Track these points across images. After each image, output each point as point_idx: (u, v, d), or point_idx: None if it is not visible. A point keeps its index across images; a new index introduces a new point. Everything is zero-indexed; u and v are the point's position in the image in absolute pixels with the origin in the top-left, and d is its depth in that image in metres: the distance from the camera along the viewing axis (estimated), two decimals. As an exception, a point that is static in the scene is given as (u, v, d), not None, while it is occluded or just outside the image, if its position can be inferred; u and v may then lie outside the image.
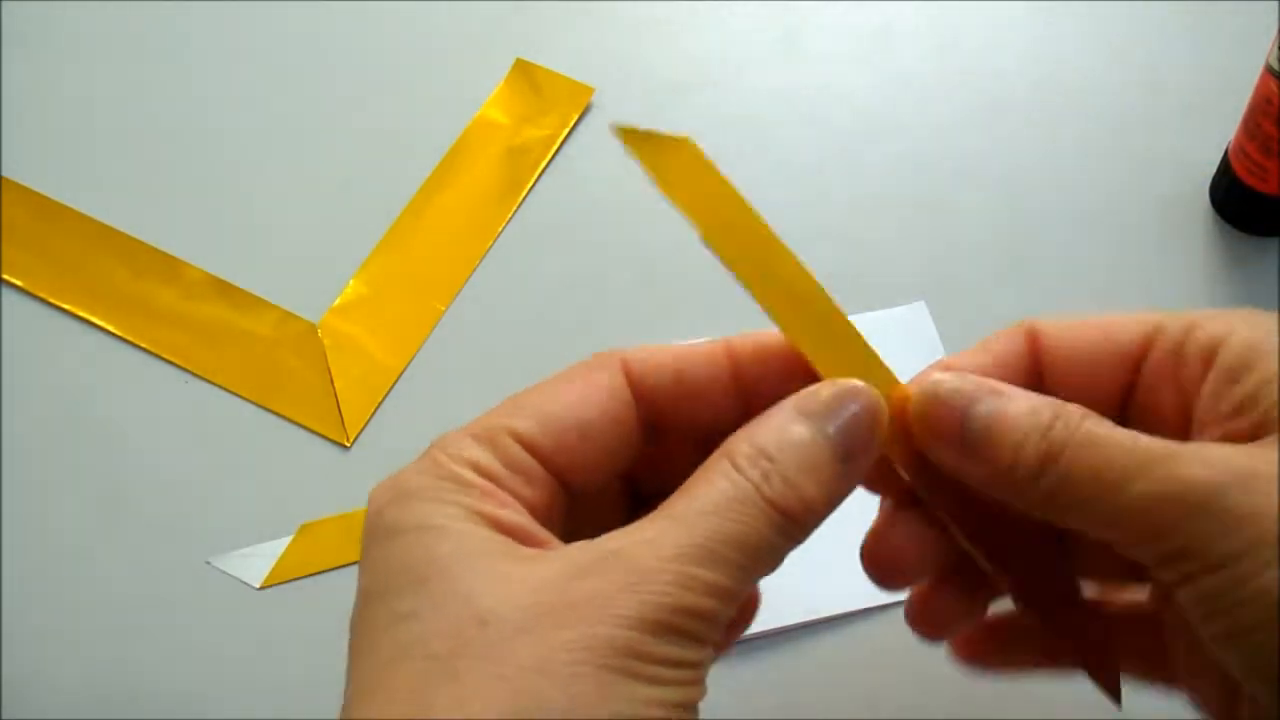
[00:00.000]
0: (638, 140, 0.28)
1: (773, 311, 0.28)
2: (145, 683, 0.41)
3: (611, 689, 0.22)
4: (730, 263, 0.28)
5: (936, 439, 0.28)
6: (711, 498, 0.25)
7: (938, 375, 0.28)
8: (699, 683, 0.24)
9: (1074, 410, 0.27)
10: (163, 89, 0.56)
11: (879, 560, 0.29)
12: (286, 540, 0.44)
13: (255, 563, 0.44)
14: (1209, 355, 0.27)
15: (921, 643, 0.32)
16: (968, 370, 0.29)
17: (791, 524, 0.25)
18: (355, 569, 0.44)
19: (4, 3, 0.58)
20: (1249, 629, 0.24)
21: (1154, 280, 0.49)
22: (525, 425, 0.26)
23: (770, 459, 0.25)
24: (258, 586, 0.43)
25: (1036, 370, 0.30)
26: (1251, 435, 0.26)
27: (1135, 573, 0.30)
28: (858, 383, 0.27)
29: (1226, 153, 0.49)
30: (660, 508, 0.25)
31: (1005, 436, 0.27)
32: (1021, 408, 0.27)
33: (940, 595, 0.30)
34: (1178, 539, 0.25)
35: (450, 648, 0.23)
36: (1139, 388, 0.29)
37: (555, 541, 0.26)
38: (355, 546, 0.44)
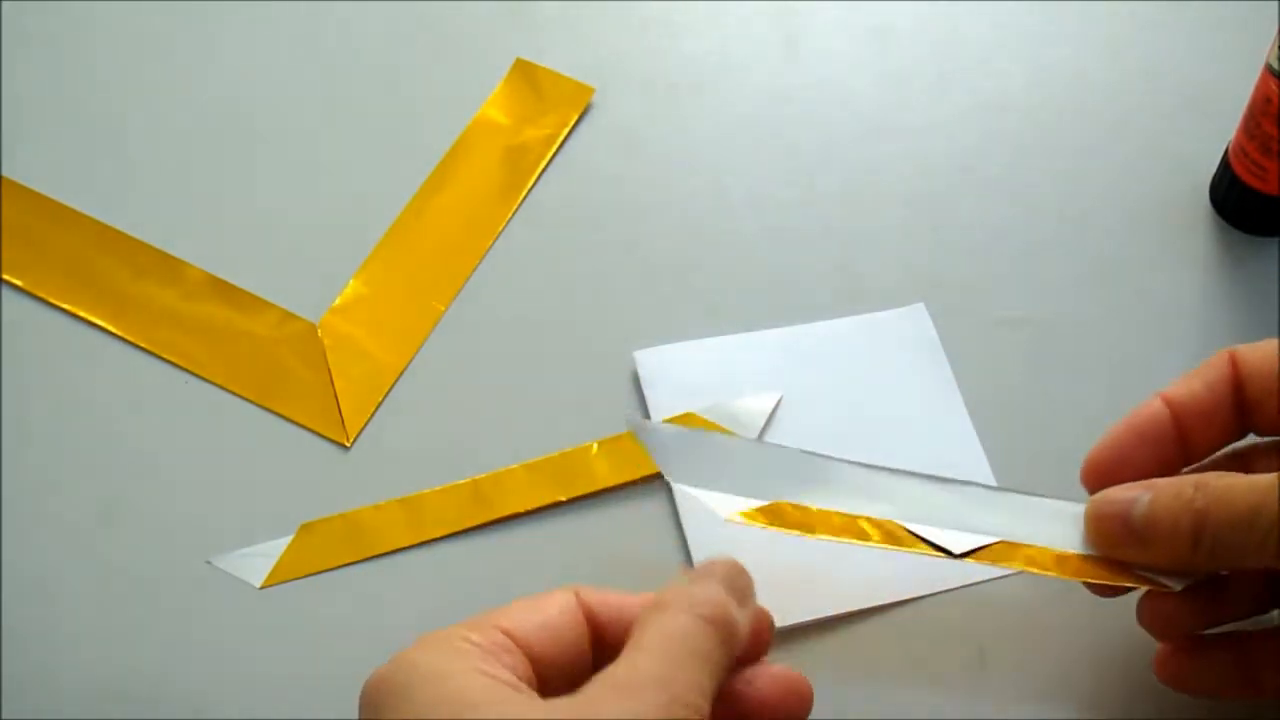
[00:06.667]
0: None
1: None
2: (145, 683, 0.41)
3: None
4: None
5: (1114, 546, 0.36)
6: (663, 632, 0.30)
7: (1097, 496, 0.37)
8: None
9: (1209, 477, 0.34)
10: (163, 89, 0.56)
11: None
12: (286, 540, 0.44)
13: (255, 563, 0.44)
14: None
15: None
16: (1185, 397, 0.37)
17: (720, 630, 0.31)
18: (356, 569, 0.44)
19: (4, 2, 0.58)
20: None
21: (1154, 280, 0.49)
22: (504, 619, 0.31)
23: (692, 597, 0.31)
24: (258, 586, 0.43)
25: (1240, 389, 0.37)
26: None
27: None
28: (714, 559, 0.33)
29: (1226, 152, 0.49)
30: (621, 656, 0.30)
31: (1162, 521, 0.35)
32: (1168, 493, 0.35)
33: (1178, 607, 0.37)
34: None
35: None
36: None
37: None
38: (355, 546, 0.44)
